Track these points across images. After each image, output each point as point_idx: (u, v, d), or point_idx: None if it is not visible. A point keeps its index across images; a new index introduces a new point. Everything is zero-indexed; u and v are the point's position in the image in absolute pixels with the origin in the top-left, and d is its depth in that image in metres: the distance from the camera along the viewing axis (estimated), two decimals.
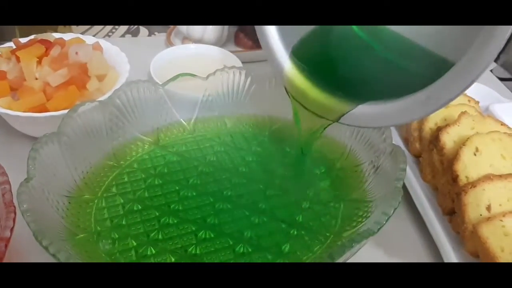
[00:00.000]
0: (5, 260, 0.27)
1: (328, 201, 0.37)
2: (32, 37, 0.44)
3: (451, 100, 0.30)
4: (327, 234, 0.34)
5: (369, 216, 0.34)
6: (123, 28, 0.58)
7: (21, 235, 0.30)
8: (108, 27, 0.57)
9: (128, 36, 0.59)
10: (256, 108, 0.44)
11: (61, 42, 0.43)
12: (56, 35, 0.45)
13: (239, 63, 0.50)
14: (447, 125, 0.41)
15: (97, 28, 0.57)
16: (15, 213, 0.29)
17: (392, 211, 0.30)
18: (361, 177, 0.38)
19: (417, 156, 0.44)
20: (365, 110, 0.33)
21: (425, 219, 0.39)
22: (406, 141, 0.46)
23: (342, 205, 0.36)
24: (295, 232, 0.34)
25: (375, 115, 0.32)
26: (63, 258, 0.26)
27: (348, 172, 0.39)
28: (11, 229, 0.28)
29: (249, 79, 0.43)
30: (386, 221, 0.30)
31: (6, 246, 0.27)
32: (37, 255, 0.30)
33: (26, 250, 0.32)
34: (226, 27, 0.55)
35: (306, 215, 0.36)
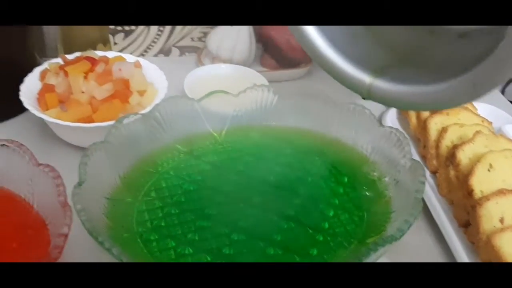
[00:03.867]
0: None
1: (352, 210, 0.39)
2: (78, 54, 0.48)
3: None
4: (352, 240, 0.37)
5: (389, 226, 0.37)
6: (156, 48, 0.62)
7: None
8: (143, 47, 0.61)
9: (161, 55, 0.63)
10: (282, 122, 0.47)
11: (105, 60, 0.47)
12: (99, 53, 0.49)
13: (265, 82, 0.53)
14: (462, 143, 0.44)
15: (132, 47, 0.61)
16: (71, 212, 0.32)
17: (413, 219, 0.33)
18: (383, 189, 0.40)
19: (434, 172, 0.47)
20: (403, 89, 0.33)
21: (442, 230, 0.42)
22: (423, 158, 0.49)
23: (365, 214, 0.39)
24: (321, 238, 0.37)
25: (416, 96, 0.32)
26: (116, 253, 0.29)
27: (370, 184, 0.41)
28: (69, 227, 0.31)
29: (276, 97, 0.47)
30: (408, 228, 0.33)
31: (64, 241, 0.31)
32: (82, 252, 0.33)
33: (70, 248, 0.35)
34: (253, 48, 0.59)
35: (332, 222, 0.38)
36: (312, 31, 0.38)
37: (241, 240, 0.37)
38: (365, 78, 0.36)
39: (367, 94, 0.36)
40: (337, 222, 0.38)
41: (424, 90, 0.32)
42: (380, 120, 0.51)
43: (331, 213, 0.39)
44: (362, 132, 0.44)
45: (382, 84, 0.35)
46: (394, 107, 0.36)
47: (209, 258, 0.35)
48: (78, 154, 0.45)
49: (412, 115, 0.52)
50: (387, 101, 0.36)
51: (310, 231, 0.38)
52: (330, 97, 0.46)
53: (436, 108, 0.41)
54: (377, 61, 0.36)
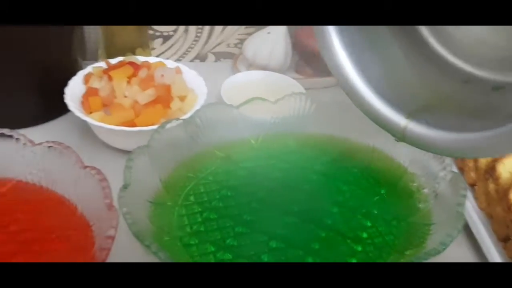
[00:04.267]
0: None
1: (390, 221, 0.39)
2: (120, 58, 0.49)
3: None
4: (391, 251, 0.37)
5: (429, 238, 0.36)
6: (193, 53, 0.63)
7: None
8: (180, 52, 0.63)
9: (197, 61, 0.64)
10: (319, 130, 0.47)
11: (147, 65, 0.48)
12: (140, 58, 0.50)
13: (302, 89, 0.53)
14: (503, 157, 0.43)
15: (169, 52, 0.62)
16: (117, 214, 0.33)
17: (456, 233, 0.33)
18: (422, 200, 0.40)
19: (472, 185, 0.47)
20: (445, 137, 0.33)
21: (481, 244, 0.41)
22: (461, 170, 0.48)
23: (404, 225, 0.39)
24: (360, 248, 0.37)
25: (453, 142, 0.33)
26: (163, 257, 0.30)
27: (408, 195, 0.41)
28: (116, 229, 0.32)
29: (314, 105, 0.47)
30: (451, 242, 0.32)
31: (111, 244, 0.31)
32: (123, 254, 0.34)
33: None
34: (289, 56, 0.59)
35: (370, 232, 0.38)
36: (350, 69, 0.38)
37: (280, 247, 0.37)
38: (400, 120, 0.36)
39: (402, 136, 0.36)
40: (375, 232, 0.38)
41: (461, 137, 0.32)
42: None
43: (369, 223, 0.39)
44: (400, 142, 0.44)
45: (417, 128, 0.35)
46: (429, 151, 0.37)
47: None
48: (118, 157, 0.47)
49: None
50: (422, 145, 0.36)
51: (348, 241, 0.38)
52: None
53: (472, 156, 0.41)
54: (413, 104, 0.36)
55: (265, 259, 0.36)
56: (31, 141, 0.39)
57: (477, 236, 0.42)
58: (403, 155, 0.44)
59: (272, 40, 0.58)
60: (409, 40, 0.39)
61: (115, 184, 0.36)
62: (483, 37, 0.36)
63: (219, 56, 0.64)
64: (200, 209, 0.40)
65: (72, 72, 0.49)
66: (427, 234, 0.37)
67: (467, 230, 0.43)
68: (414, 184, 0.42)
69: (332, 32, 0.38)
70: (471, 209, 0.44)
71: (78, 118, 0.46)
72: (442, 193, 0.39)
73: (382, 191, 0.42)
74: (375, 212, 0.40)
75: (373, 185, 0.43)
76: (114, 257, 0.32)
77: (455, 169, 0.40)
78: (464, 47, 0.37)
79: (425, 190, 0.41)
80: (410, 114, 0.35)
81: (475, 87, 0.36)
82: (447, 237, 0.33)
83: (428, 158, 0.42)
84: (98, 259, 0.30)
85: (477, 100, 0.35)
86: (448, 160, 0.40)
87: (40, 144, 0.39)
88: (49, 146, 0.38)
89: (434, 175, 0.40)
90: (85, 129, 0.50)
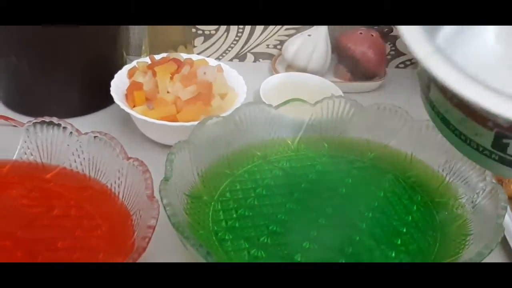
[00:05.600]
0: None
1: (426, 229, 0.39)
2: (164, 55, 0.51)
3: None
4: (425, 259, 0.36)
5: (466, 249, 0.36)
6: (232, 53, 0.64)
7: None
8: (220, 51, 0.63)
9: (236, 60, 0.65)
10: (356, 134, 0.47)
11: (190, 62, 0.49)
12: (183, 55, 0.51)
13: (340, 93, 0.53)
14: None
15: (209, 51, 0.63)
16: (158, 205, 0.34)
17: (495, 245, 0.32)
18: (459, 210, 0.40)
19: (511, 197, 0.46)
20: None
21: None
22: (499, 182, 0.47)
23: (439, 234, 0.38)
24: (393, 254, 0.37)
25: None
26: (202, 251, 0.31)
27: (445, 205, 0.41)
28: (157, 219, 0.33)
29: (353, 109, 0.47)
30: (489, 253, 0.32)
31: (152, 233, 0.32)
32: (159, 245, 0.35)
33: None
34: (329, 59, 0.59)
35: (405, 239, 0.38)
36: None
37: (313, 249, 0.37)
38: None
39: None
40: (409, 239, 0.38)
41: None
42: None
43: (404, 230, 0.39)
44: (439, 151, 0.44)
45: None
46: None
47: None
48: (156, 150, 0.48)
49: None
50: None
51: (382, 246, 0.38)
52: (408, 112, 0.46)
53: None
54: None
55: (298, 259, 0.36)
56: (77, 131, 0.40)
57: None
58: (442, 164, 0.43)
59: (312, 42, 0.58)
60: None
61: (153, 176, 0.37)
62: None
63: (258, 57, 0.65)
64: (235, 206, 0.41)
65: (117, 66, 0.50)
66: (464, 245, 0.37)
67: (503, 242, 0.42)
68: (452, 193, 0.41)
69: None
70: (509, 221, 0.43)
71: (119, 110, 0.47)
72: (480, 204, 0.39)
73: (418, 199, 0.42)
74: (410, 219, 0.40)
75: (409, 192, 0.43)
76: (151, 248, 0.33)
77: (494, 181, 0.39)
78: None
79: (463, 200, 0.40)
80: None
81: None
82: (485, 248, 0.32)
83: (468, 169, 0.41)
84: (139, 247, 0.31)
85: None
86: (488, 171, 0.39)
87: (86, 133, 0.40)
88: (95, 136, 0.40)
89: (473, 186, 0.40)
90: (126, 121, 0.51)
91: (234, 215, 0.40)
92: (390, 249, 0.37)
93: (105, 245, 0.36)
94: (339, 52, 0.61)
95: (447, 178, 0.42)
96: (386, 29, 0.61)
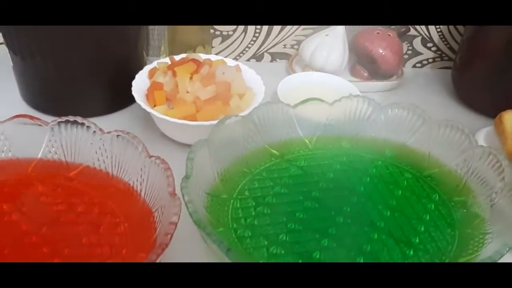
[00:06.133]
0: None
1: (444, 227, 0.39)
2: (183, 55, 0.52)
3: None
4: (443, 257, 0.37)
5: (484, 247, 0.36)
6: (250, 53, 0.65)
7: None
8: (237, 51, 0.64)
9: (253, 60, 0.65)
10: (374, 134, 0.48)
11: (209, 62, 0.50)
12: (202, 55, 0.52)
13: (357, 92, 0.54)
14: None
15: (227, 51, 0.64)
16: (180, 202, 0.35)
17: None
18: (477, 209, 0.40)
19: None
20: None
21: None
22: None
23: (457, 233, 0.39)
24: (411, 253, 0.37)
25: None
26: (223, 248, 0.31)
27: (464, 204, 0.41)
28: (179, 216, 0.34)
29: (370, 108, 0.47)
30: (507, 251, 0.32)
31: (174, 229, 0.33)
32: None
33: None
34: (346, 58, 0.60)
35: (423, 238, 0.38)
36: None
37: (332, 247, 0.38)
38: None
39: None
40: (428, 238, 0.38)
41: None
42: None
43: (422, 229, 0.39)
44: (457, 150, 0.44)
45: None
46: None
47: (300, 261, 0.37)
48: (175, 149, 0.49)
49: (509, 135, 0.50)
50: None
51: (401, 244, 0.38)
52: (425, 112, 0.46)
53: None
54: None
55: (317, 256, 0.37)
56: (101, 129, 0.41)
57: None
58: (460, 164, 0.43)
59: (330, 42, 0.58)
60: None
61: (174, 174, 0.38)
62: None
63: (275, 57, 0.65)
64: (254, 204, 0.41)
65: (138, 66, 0.51)
66: (482, 243, 0.37)
67: None
68: (470, 192, 0.41)
69: None
70: None
71: (140, 109, 0.48)
72: (499, 203, 0.39)
73: (437, 198, 0.42)
74: (428, 218, 0.40)
75: (427, 191, 0.43)
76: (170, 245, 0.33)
77: None
78: None
79: (481, 199, 0.40)
80: None
81: None
82: (503, 246, 0.32)
83: (486, 168, 0.41)
84: (162, 243, 0.32)
85: None
86: (506, 172, 0.39)
87: (109, 132, 0.41)
88: (118, 135, 0.41)
89: (491, 185, 0.40)
90: (146, 121, 0.52)
91: (253, 213, 0.41)
92: (408, 247, 0.38)
93: (128, 241, 0.37)
94: (356, 51, 0.61)
95: (465, 177, 0.42)
96: (403, 29, 0.61)
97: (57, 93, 0.51)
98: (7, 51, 0.51)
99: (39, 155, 0.43)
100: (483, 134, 0.53)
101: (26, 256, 0.35)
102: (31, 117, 0.43)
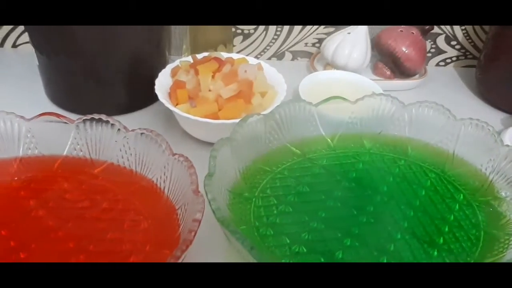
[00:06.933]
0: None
1: (469, 228, 0.38)
2: (205, 54, 0.52)
3: None
4: (467, 258, 0.36)
5: (510, 248, 0.35)
6: (271, 51, 0.65)
7: None
8: (258, 50, 0.64)
9: (274, 59, 0.65)
10: (397, 132, 0.47)
11: (231, 61, 0.50)
12: (224, 54, 0.52)
13: (380, 91, 0.53)
14: None
15: (248, 50, 0.64)
16: (204, 200, 0.35)
17: None
18: (502, 210, 0.39)
19: None
20: None
21: None
22: None
23: (482, 233, 0.38)
24: (435, 253, 0.37)
25: None
26: (247, 245, 0.31)
27: (488, 204, 0.40)
28: (202, 213, 0.34)
29: (394, 107, 0.47)
30: None
31: (198, 226, 0.33)
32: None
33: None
34: (368, 57, 0.59)
35: (447, 238, 0.38)
36: None
37: (354, 246, 0.37)
38: None
39: None
40: (452, 238, 0.38)
41: None
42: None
43: (446, 229, 0.39)
44: (482, 150, 0.43)
45: None
46: None
47: (322, 260, 0.36)
48: (198, 147, 0.49)
49: None
50: None
51: (425, 245, 0.37)
52: (449, 111, 0.45)
53: None
54: None
55: (340, 255, 0.37)
56: (125, 127, 0.42)
57: None
58: (485, 163, 0.43)
59: (352, 40, 0.58)
60: None
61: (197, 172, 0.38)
62: None
63: (296, 55, 0.65)
64: (276, 202, 0.41)
65: (161, 65, 0.52)
66: (508, 244, 0.36)
67: None
68: (495, 192, 0.41)
69: None
70: None
71: (162, 108, 0.48)
72: None
73: (461, 198, 0.42)
74: (452, 218, 0.40)
75: (452, 191, 0.42)
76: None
77: None
78: None
79: (507, 199, 0.40)
80: None
81: None
82: None
83: (510, 168, 0.40)
84: (186, 240, 0.32)
85: None
86: None
87: (133, 130, 0.42)
88: (142, 133, 0.41)
89: None
90: (169, 119, 0.53)
91: (275, 211, 0.41)
92: (432, 248, 0.37)
93: (151, 238, 0.37)
94: (379, 49, 0.60)
95: (490, 177, 0.42)
96: (426, 27, 0.60)
97: (82, 91, 0.52)
98: (33, 50, 0.52)
99: (65, 152, 0.44)
100: (509, 133, 0.52)
101: (52, 251, 0.36)
102: (57, 115, 0.43)
